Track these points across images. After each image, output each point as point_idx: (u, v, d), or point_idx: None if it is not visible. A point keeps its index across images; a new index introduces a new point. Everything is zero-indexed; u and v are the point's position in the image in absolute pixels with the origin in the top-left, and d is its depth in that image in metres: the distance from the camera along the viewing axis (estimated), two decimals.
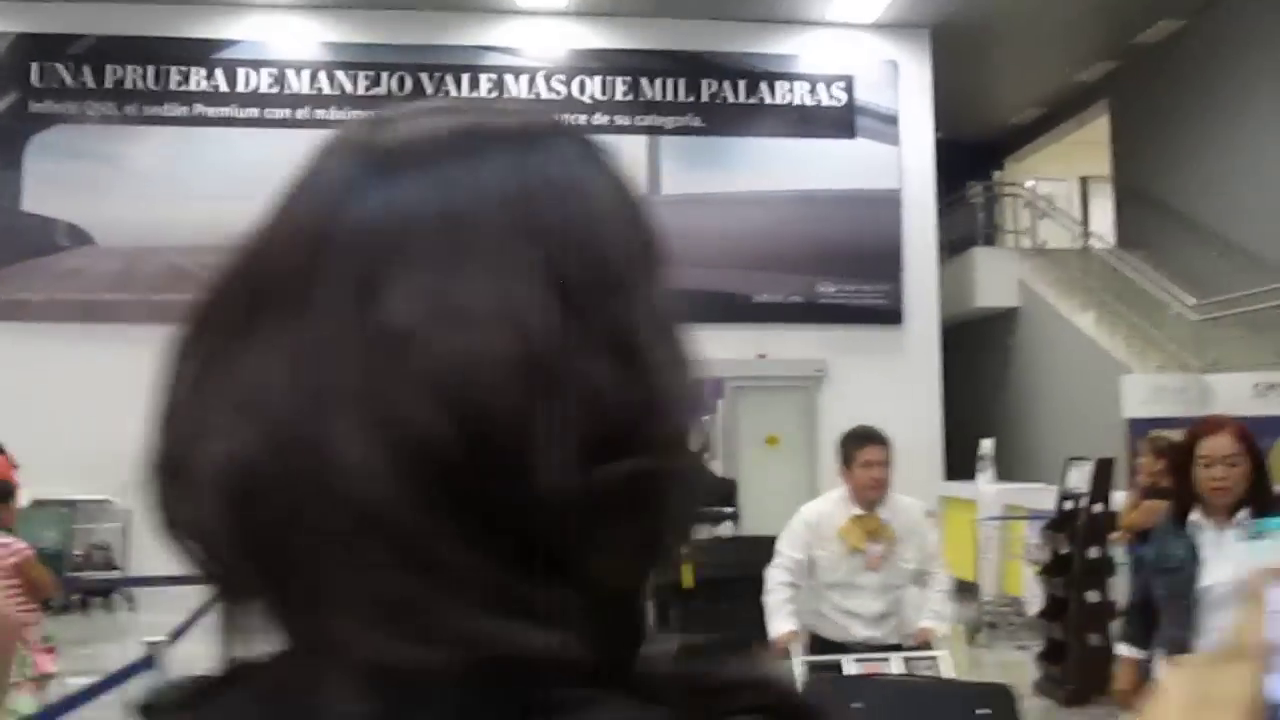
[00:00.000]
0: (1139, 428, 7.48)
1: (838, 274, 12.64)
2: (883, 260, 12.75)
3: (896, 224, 12.85)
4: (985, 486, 9.73)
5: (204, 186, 11.96)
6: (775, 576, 3.98)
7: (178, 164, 12.14)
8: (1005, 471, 10.87)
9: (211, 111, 12.27)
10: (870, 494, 3.90)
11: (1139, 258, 12.45)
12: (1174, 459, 3.46)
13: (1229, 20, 12.42)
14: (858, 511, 3.91)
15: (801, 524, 4.04)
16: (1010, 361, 13.99)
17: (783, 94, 12.89)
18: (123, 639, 8.84)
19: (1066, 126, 16.70)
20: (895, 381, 12.66)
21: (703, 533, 6.08)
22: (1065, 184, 17.94)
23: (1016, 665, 7.77)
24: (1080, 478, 6.90)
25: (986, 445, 10.40)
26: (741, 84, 12.82)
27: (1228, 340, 10.98)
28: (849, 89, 12.95)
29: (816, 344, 12.54)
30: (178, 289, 11.89)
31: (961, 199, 14.82)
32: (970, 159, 15.82)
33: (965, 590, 9.13)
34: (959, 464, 12.57)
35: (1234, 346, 10.97)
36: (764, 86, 12.86)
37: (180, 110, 12.24)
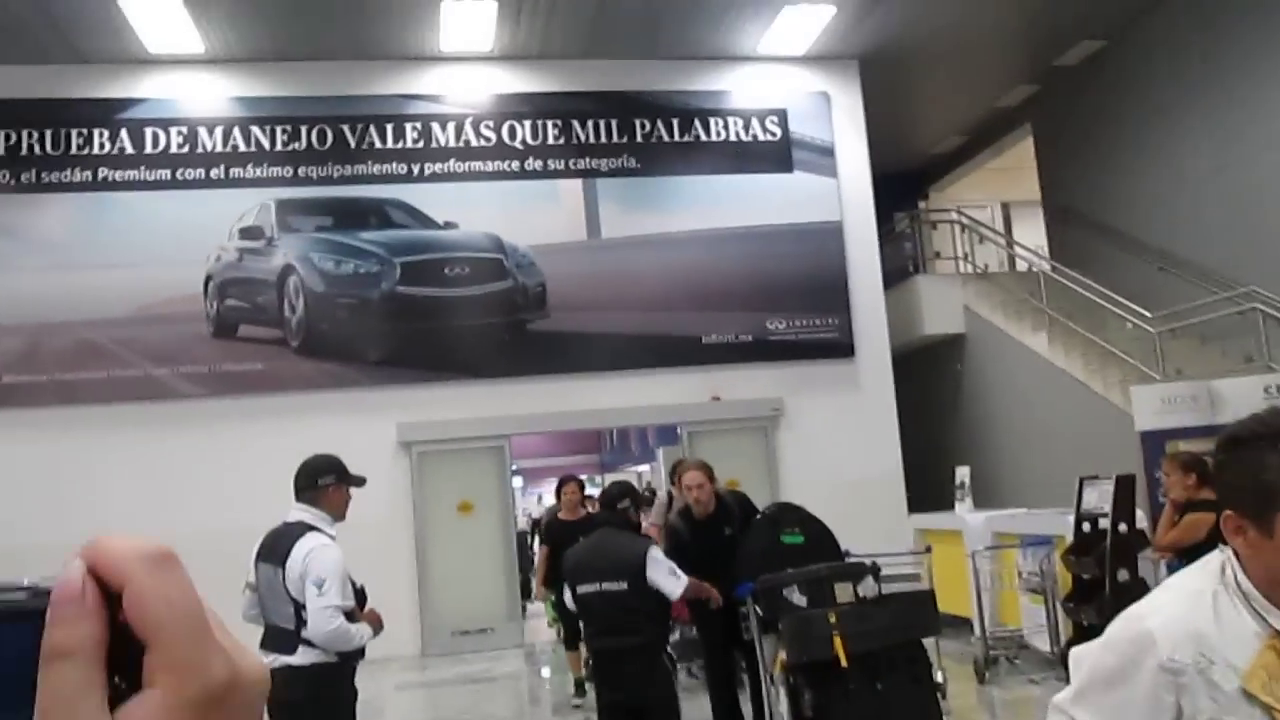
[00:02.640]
0: (1152, 440, 7.26)
1: (787, 310, 12.37)
2: (830, 293, 12.53)
3: (840, 256, 12.67)
4: (969, 516, 9.41)
5: (114, 255, 11.18)
6: None
7: (83, 233, 11.31)
8: (977, 499, 10.61)
9: (118, 175, 11.49)
10: None
11: (1080, 277, 12.42)
12: None
13: (1149, 38, 12.63)
14: None
15: (1149, 661, 1.54)
16: (961, 388, 13.85)
17: (717, 130, 12.66)
18: None
19: (987, 154, 16.87)
20: (851, 415, 12.41)
21: (843, 595, 4.89)
22: (987, 210, 18.10)
23: (1030, 701, 7.42)
24: (1098, 497, 6.61)
25: (963, 473, 10.13)
26: (675, 122, 12.55)
27: (1184, 351, 10.98)
28: (783, 123, 12.78)
29: (771, 382, 12.21)
30: (89, 366, 11.04)
31: (891, 230, 14.75)
32: (896, 190, 15.81)
33: (962, 626, 8.80)
34: (918, 496, 12.31)
35: (1189, 357, 10.98)
36: (698, 124, 12.61)
37: (83, 175, 11.42)
